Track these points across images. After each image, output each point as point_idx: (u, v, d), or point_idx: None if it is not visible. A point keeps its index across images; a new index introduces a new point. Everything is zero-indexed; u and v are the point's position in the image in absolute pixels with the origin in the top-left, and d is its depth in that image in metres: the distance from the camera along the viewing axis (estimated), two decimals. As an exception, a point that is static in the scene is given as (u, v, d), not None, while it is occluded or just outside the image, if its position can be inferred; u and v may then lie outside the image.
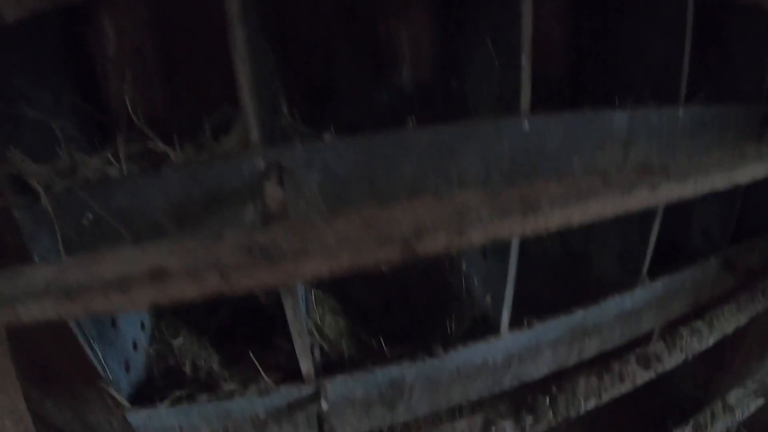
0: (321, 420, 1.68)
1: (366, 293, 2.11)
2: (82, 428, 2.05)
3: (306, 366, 1.69)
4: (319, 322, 1.95)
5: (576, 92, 2.48)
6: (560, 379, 1.85)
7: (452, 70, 2.04)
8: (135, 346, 1.94)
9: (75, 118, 1.80)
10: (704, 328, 2.02)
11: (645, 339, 2.37)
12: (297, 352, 1.63)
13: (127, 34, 1.83)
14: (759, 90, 2.16)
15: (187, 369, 1.88)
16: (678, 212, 2.51)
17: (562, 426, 2.98)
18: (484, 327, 1.84)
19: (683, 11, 1.77)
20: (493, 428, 1.53)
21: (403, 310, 2.05)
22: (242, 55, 1.25)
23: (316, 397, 1.71)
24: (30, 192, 1.37)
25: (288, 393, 1.71)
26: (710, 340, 1.99)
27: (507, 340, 1.84)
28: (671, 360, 1.86)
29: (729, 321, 2.06)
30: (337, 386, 1.73)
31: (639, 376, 1.73)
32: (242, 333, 1.98)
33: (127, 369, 1.84)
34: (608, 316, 2.08)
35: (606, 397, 1.65)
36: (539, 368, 1.99)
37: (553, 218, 0.97)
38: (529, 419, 1.55)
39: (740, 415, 1.89)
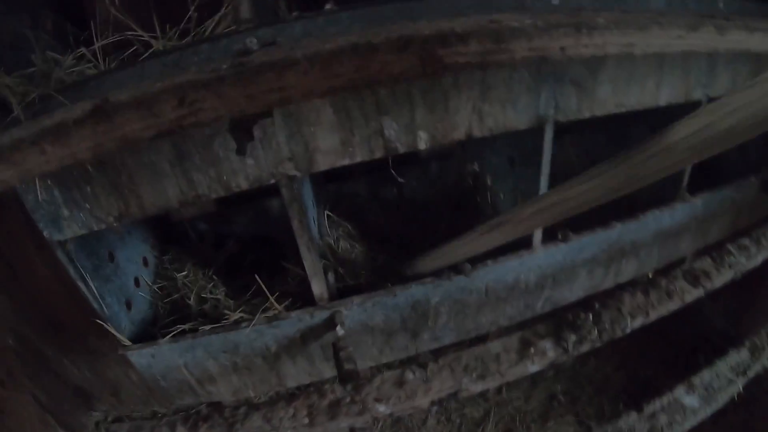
0: (337, 349, 1.52)
1: (384, 219, 1.93)
2: (101, 385, 1.93)
3: (318, 288, 1.52)
4: (333, 245, 1.78)
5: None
6: (605, 298, 1.67)
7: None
8: (137, 282, 1.80)
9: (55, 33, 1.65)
10: (752, 245, 1.82)
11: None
12: (307, 272, 1.47)
13: None
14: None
15: (192, 302, 1.73)
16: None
17: (592, 361, 2.85)
18: (515, 242, 1.65)
19: None
20: (532, 349, 1.36)
21: (425, 235, 1.86)
22: None
23: (330, 323, 1.55)
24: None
25: (300, 320, 1.55)
26: (758, 258, 1.79)
27: (540, 257, 1.66)
28: (720, 277, 1.67)
29: (776, 239, 1.86)
30: (353, 311, 1.56)
31: (687, 293, 1.54)
32: (252, 263, 1.81)
33: (129, 307, 1.70)
34: (647, 234, 1.89)
35: (654, 315, 1.48)
36: (574, 291, 1.81)
37: (612, 39, 0.79)
38: (571, 338, 1.37)
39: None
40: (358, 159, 1.31)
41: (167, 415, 1.71)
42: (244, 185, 1.31)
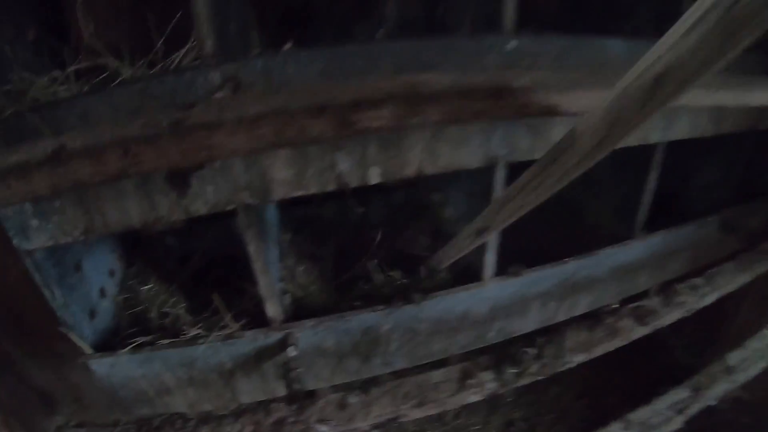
0: (288, 370, 1.57)
1: (347, 239, 1.99)
2: (65, 390, 1.96)
3: (273, 310, 1.58)
4: (293, 266, 1.84)
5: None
6: (548, 333, 1.73)
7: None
8: (103, 293, 1.85)
9: (34, 48, 1.71)
10: (704, 284, 1.88)
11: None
12: (262, 293, 1.52)
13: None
14: None
15: (154, 316, 1.77)
16: (678, 168, 2.38)
17: (554, 388, 2.89)
18: (468, 275, 1.71)
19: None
20: (472, 380, 1.41)
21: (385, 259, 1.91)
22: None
23: (284, 344, 1.60)
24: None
25: (254, 339, 1.60)
26: (710, 298, 1.85)
27: (491, 290, 1.72)
28: (668, 316, 1.72)
29: (730, 279, 1.92)
30: (306, 334, 1.62)
31: (634, 330, 1.60)
32: (215, 280, 1.86)
33: (92, 316, 1.74)
34: (602, 270, 1.95)
35: (598, 351, 1.53)
36: (527, 323, 1.87)
37: (535, 99, 0.85)
38: (511, 372, 1.43)
39: (742, 377, 1.76)
40: (313, 191, 1.38)
41: (123, 425, 1.75)
42: (203, 210, 1.37)
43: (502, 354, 1.49)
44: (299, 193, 1.37)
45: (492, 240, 1.65)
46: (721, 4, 0.50)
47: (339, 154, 1.33)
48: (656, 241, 2.09)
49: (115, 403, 1.79)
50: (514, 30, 1.39)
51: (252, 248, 1.44)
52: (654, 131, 1.83)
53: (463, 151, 1.45)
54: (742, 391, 2.83)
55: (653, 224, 2.12)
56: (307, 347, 1.64)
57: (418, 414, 1.34)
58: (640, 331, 1.61)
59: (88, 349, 1.64)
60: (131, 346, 1.62)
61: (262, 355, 1.63)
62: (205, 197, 1.34)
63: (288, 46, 1.28)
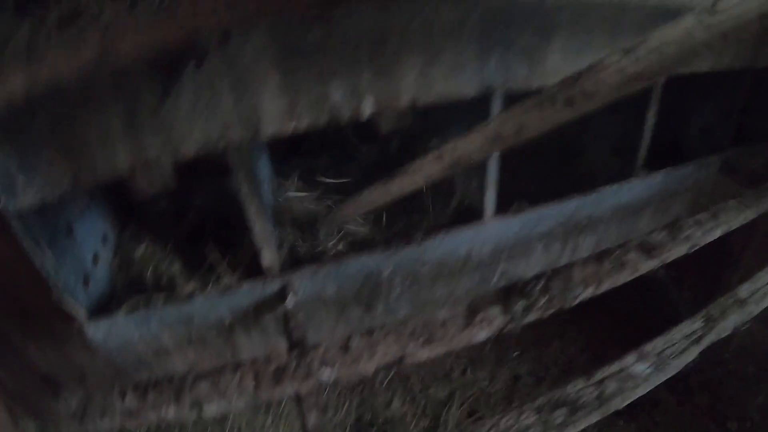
0: (288, 320, 1.52)
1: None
2: (67, 369, 1.92)
3: (269, 258, 1.53)
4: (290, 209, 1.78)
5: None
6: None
7: None
8: (96, 259, 1.79)
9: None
10: (708, 220, 1.84)
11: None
12: (257, 240, 1.47)
13: None
14: None
15: (149, 277, 1.72)
16: (675, 113, 2.35)
17: (557, 343, 2.86)
18: (468, 214, 1.67)
19: None
20: (480, 315, 1.36)
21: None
22: None
23: (282, 294, 1.55)
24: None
25: (252, 290, 1.55)
26: (715, 233, 1.81)
27: (493, 229, 1.68)
28: (675, 249, 1.69)
29: (734, 216, 1.89)
30: (305, 281, 1.57)
31: (641, 263, 1.56)
32: (211, 237, 1.80)
33: (86, 282, 1.69)
34: (604, 209, 1.91)
35: (606, 285, 1.49)
36: (530, 266, 1.83)
37: None
38: (520, 304, 1.38)
39: (755, 309, 1.73)
40: (305, 123, 1.32)
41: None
42: (193, 150, 1.31)
43: (509, 289, 1.44)
44: (291, 125, 1.31)
45: (491, 178, 1.61)
46: None
47: (332, 83, 1.28)
48: (657, 180, 2.06)
49: (116, 373, 1.74)
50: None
51: (244, 190, 1.39)
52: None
53: (458, 78, 1.40)
54: (748, 339, 2.83)
55: (654, 169, 2.09)
56: (307, 296, 1.59)
57: (425, 353, 1.29)
58: (649, 265, 1.56)
59: (82, 315, 1.59)
60: (127, 305, 1.57)
61: (261, 307, 1.58)
62: (194, 136, 1.29)
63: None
